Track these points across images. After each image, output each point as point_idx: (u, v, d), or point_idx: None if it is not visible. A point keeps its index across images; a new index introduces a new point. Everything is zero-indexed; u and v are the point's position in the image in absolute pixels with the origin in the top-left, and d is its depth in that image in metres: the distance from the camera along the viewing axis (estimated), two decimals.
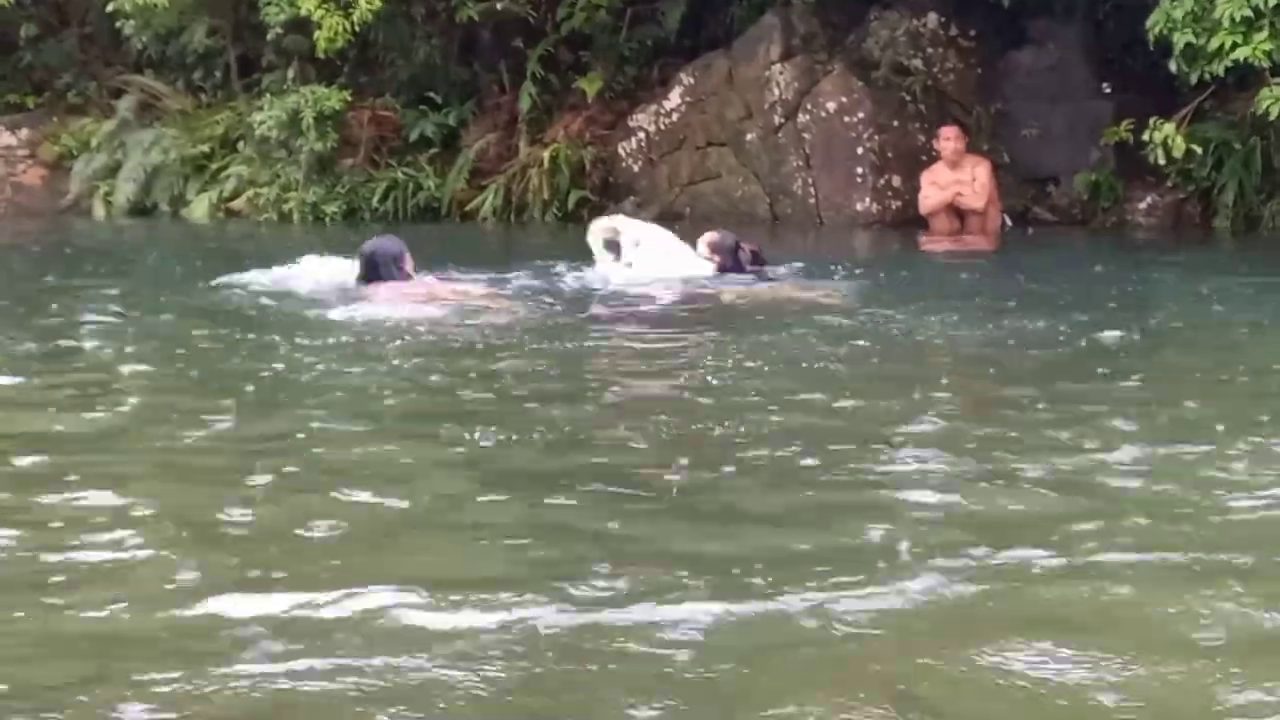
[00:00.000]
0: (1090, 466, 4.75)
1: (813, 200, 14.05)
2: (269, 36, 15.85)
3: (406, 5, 15.44)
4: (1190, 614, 3.41)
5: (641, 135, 15.01)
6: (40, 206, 17.88)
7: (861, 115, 13.81)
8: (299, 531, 4.17)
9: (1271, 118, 11.50)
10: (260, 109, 15.81)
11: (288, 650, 3.27)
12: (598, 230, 10.10)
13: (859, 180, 13.82)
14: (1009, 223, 13.30)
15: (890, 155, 13.80)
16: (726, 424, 5.50)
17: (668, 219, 14.04)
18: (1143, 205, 13.32)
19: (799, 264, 10.31)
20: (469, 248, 12.51)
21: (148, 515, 4.37)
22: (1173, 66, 11.64)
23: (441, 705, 3.02)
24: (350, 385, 6.47)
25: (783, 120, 14.17)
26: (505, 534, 4.18)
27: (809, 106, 14.03)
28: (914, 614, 3.45)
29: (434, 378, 6.60)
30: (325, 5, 14.66)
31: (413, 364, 6.91)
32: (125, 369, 7.00)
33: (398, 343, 7.45)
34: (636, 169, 15.07)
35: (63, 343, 7.83)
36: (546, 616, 3.44)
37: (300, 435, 5.42)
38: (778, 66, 14.22)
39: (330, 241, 11.83)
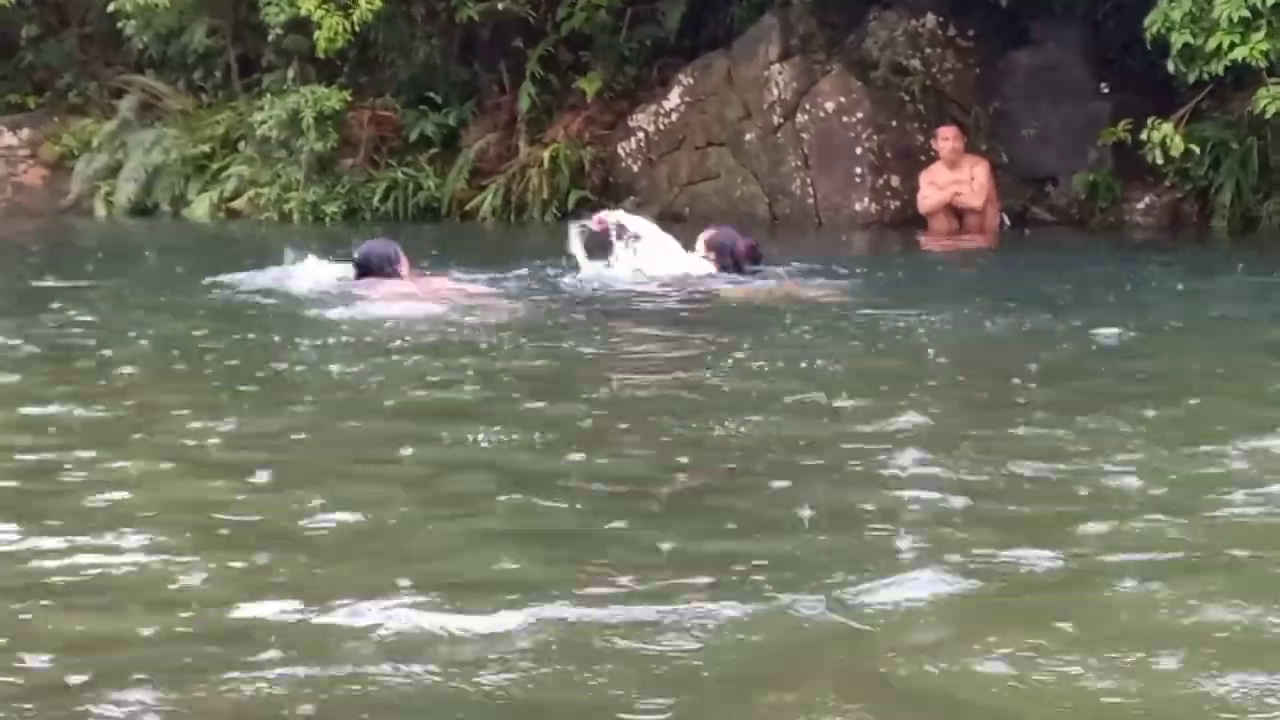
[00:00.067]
0: (1089, 466, 4.74)
1: (811, 200, 14.03)
2: (269, 37, 15.84)
3: (406, 5, 15.42)
4: (1191, 613, 3.39)
5: (641, 135, 14.99)
6: (41, 206, 17.86)
7: (860, 115, 13.80)
8: (300, 533, 4.16)
9: (1269, 117, 11.50)
10: (261, 109, 15.80)
11: (288, 654, 3.25)
12: (575, 230, 10.10)
13: (858, 180, 13.81)
14: (1007, 222, 13.29)
15: (889, 155, 13.78)
16: (727, 424, 5.48)
17: (667, 219, 14.03)
18: (1140, 205, 13.31)
19: (797, 263, 10.29)
20: (469, 247, 12.50)
21: (147, 516, 4.35)
22: (1170, 66, 11.64)
23: (442, 707, 3.00)
24: (350, 385, 6.46)
25: (782, 120, 14.16)
26: (507, 534, 4.17)
27: (808, 106, 14.02)
28: (914, 614, 3.43)
29: (433, 376, 6.58)
30: (325, 5, 14.65)
31: (412, 362, 6.90)
32: (126, 368, 6.99)
33: (397, 341, 7.44)
34: (636, 169, 15.05)
35: (63, 341, 7.82)
36: (547, 617, 3.42)
37: (301, 435, 5.41)
38: (777, 67, 14.21)
39: (331, 241, 11.81)
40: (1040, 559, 3.81)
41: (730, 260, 9.78)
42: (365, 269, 9.16)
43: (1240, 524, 4.12)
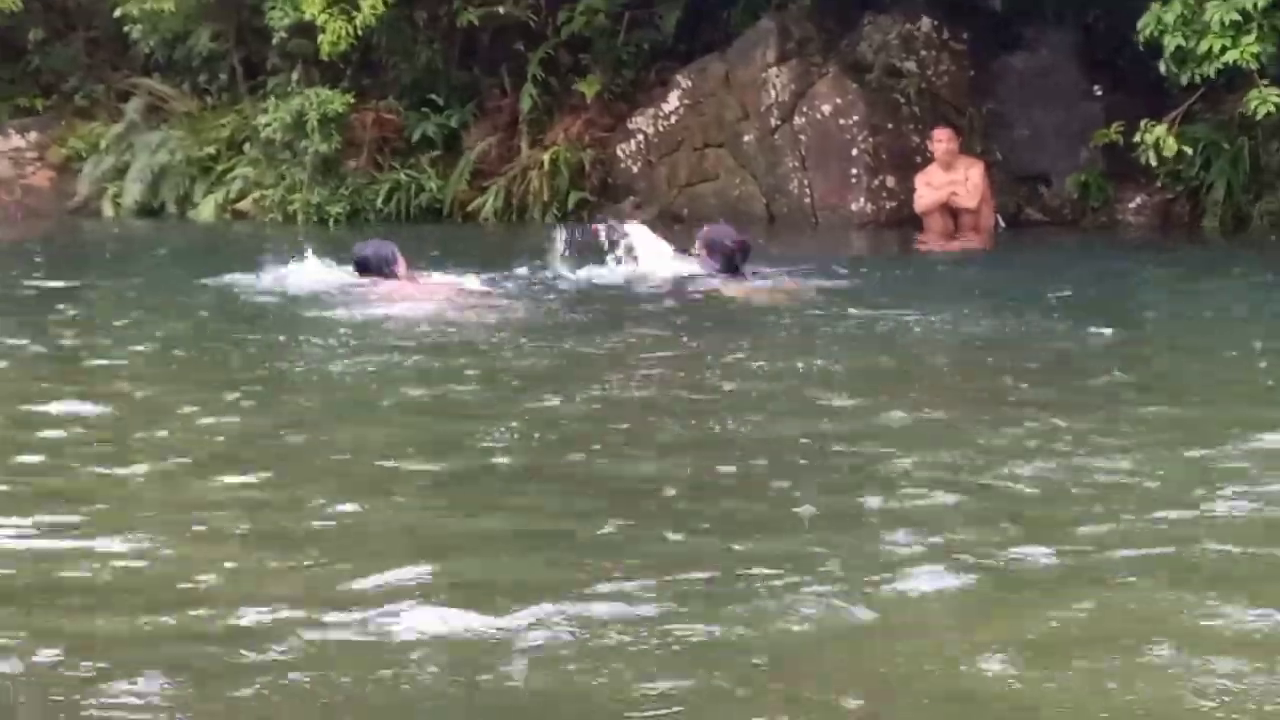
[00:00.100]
0: (1087, 465, 4.72)
1: (808, 200, 14.02)
2: (274, 40, 15.81)
3: (409, 10, 15.40)
4: (1188, 612, 3.38)
5: (640, 137, 14.98)
6: (49, 208, 17.85)
7: (856, 117, 13.78)
8: (300, 533, 4.14)
9: (1259, 118, 11.50)
10: (265, 111, 15.78)
11: (288, 655, 3.22)
12: (560, 236, 10.12)
13: (854, 181, 13.80)
14: (1002, 223, 13.28)
15: (884, 156, 13.76)
16: (728, 423, 5.48)
17: (666, 219, 14.04)
18: (1132, 205, 13.30)
19: (794, 264, 10.27)
20: (470, 248, 12.48)
21: (147, 516, 4.34)
22: (1163, 69, 11.63)
23: (442, 707, 2.99)
24: (351, 384, 6.45)
25: (779, 122, 14.14)
26: (507, 534, 4.15)
27: (804, 109, 14.00)
28: (915, 613, 3.43)
29: (433, 376, 6.57)
30: (329, 9, 14.63)
31: (412, 362, 6.89)
32: (130, 368, 6.98)
33: (397, 341, 7.43)
34: (635, 170, 15.04)
35: (70, 340, 7.81)
36: (548, 617, 3.40)
37: (301, 435, 5.39)
38: (774, 69, 14.19)
39: (334, 243, 11.80)
40: (1040, 558, 3.80)
41: (723, 257, 9.76)
42: (364, 269, 9.21)
43: (1238, 522, 4.11)
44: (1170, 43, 11.36)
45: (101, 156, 17.49)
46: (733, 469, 4.81)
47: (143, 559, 3.95)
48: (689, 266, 9.78)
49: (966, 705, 2.97)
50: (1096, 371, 6.47)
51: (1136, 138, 11.96)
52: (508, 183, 15.14)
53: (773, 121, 14.15)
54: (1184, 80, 11.54)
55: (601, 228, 9.93)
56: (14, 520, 4.26)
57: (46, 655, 3.24)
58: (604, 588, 3.63)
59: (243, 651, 3.24)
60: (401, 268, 9.18)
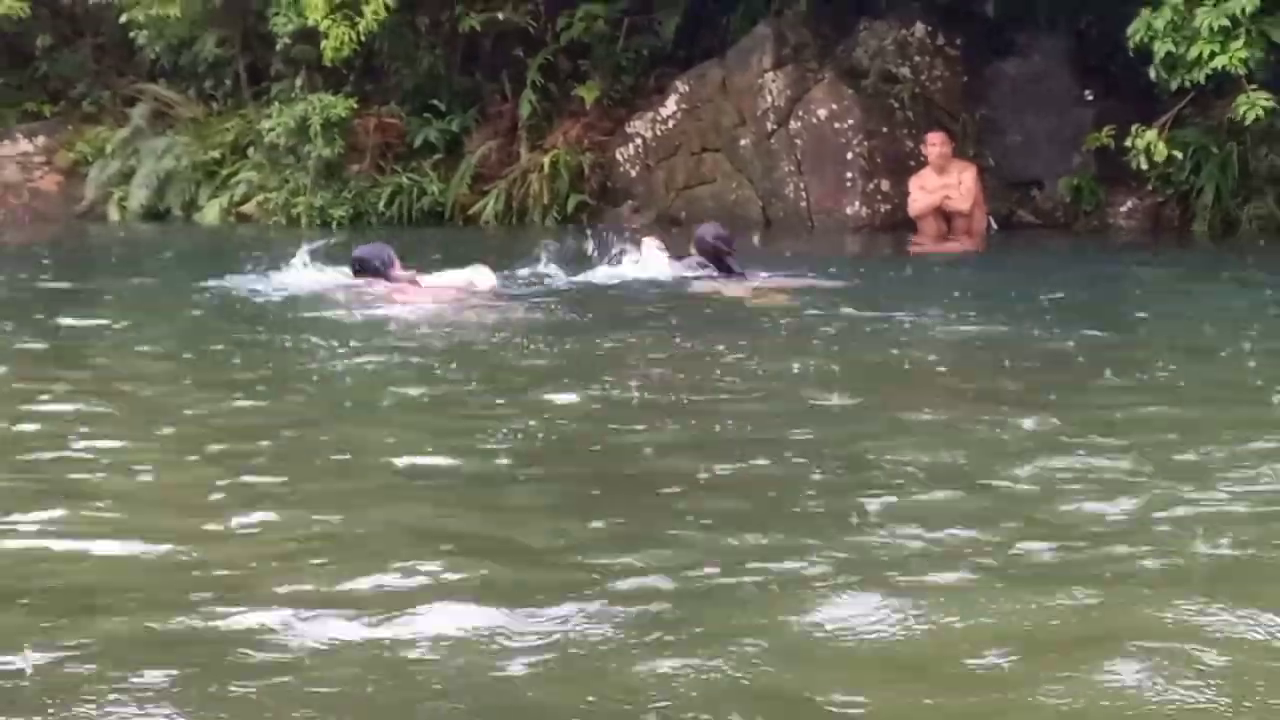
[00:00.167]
0: (1083, 466, 4.67)
1: (804, 204, 14.01)
2: (277, 46, 15.81)
3: (411, 16, 15.39)
4: (1189, 612, 3.34)
5: (638, 141, 14.97)
6: (56, 211, 17.84)
7: (851, 122, 13.77)
8: (300, 534, 4.09)
9: (1248, 123, 11.48)
10: (269, 116, 15.78)
11: (287, 656, 3.18)
12: (547, 248, 10.12)
13: (849, 185, 13.78)
14: (994, 225, 13.26)
15: (879, 160, 13.75)
16: (728, 423, 5.45)
17: (664, 222, 14.03)
18: (1123, 209, 13.29)
19: (790, 266, 10.25)
20: (472, 250, 12.44)
21: (148, 515, 4.30)
22: (1152, 74, 11.62)
23: (442, 708, 2.96)
24: (351, 384, 6.41)
25: (775, 127, 14.13)
26: (507, 534, 4.13)
27: (800, 113, 13.99)
28: (913, 614, 3.39)
29: (433, 376, 6.53)
30: (332, 16, 14.63)
31: (412, 362, 6.86)
32: (132, 369, 6.95)
33: (397, 341, 7.40)
34: (634, 174, 15.02)
35: (76, 340, 7.78)
36: (547, 617, 3.38)
37: (303, 435, 5.35)
38: (770, 75, 14.18)
39: (338, 244, 11.78)
40: (1038, 556, 3.75)
41: (713, 255, 9.75)
42: (362, 270, 9.25)
43: (1233, 522, 4.07)
44: (1160, 48, 11.35)
45: (108, 161, 17.49)
46: (733, 468, 4.77)
47: (143, 559, 3.91)
48: (687, 269, 9.77)
49: (966, 703, 2.94)
50: (1090, 372, 6.43)
51: (1127, 142, 11.97)
52: (508, 186, 15.14)
53: (769, 126, 14.14)
54: (1174, 85, 11.53)
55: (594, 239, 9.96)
56: (15, 520, 4.22)
57: (48, 655, 3.20)
58: (604, 587, 3.59)
59: (243, 651, 3.20)
60: (398, 268, 9.21)
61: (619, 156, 15.05)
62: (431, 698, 2.98)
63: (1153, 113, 12.17)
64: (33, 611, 3.51)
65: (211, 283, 9.71)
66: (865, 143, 13.70)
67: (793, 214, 14.03)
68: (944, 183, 13.01)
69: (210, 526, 4.17)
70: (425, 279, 9.29)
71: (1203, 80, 11.31)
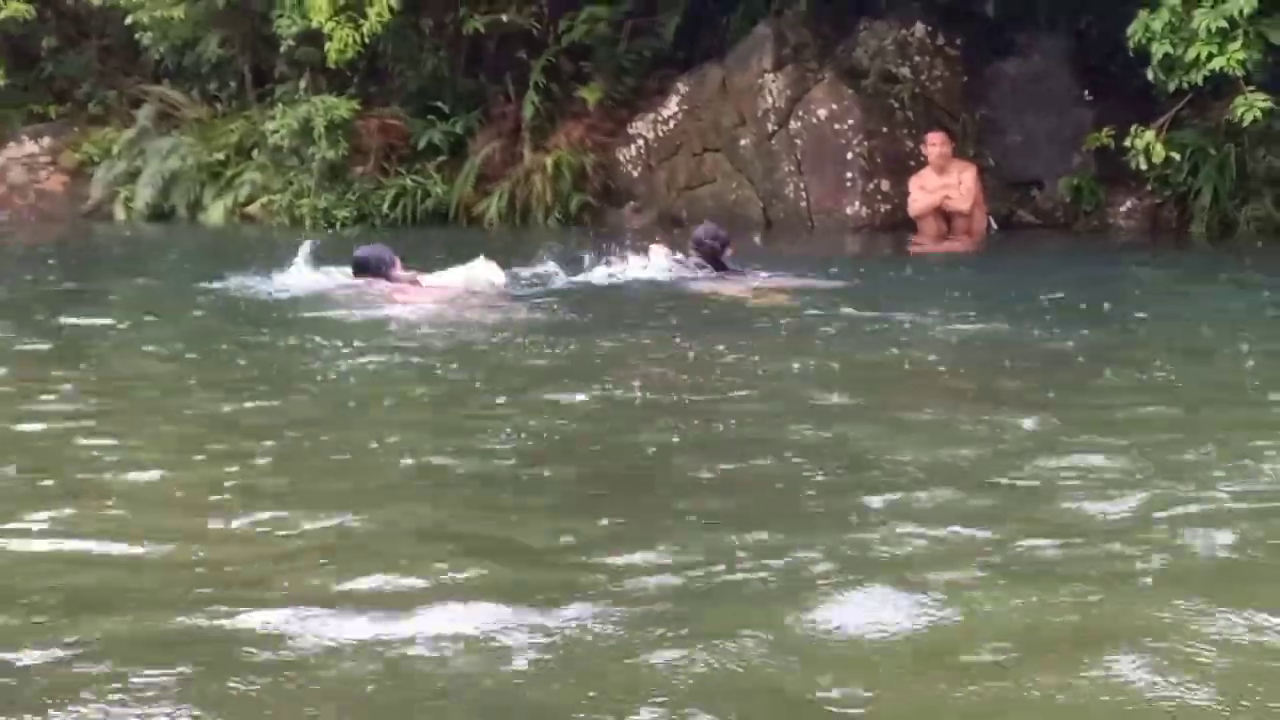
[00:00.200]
0: (1083, 465, 4.65)
1: (804, 204, 13.99)
2: (281, 48, 15.80)
3: (415, 18, 15.37)
4: (1188, 613, 3.33)
5: (640, 142, 14.96)
6: (62, 212, 17.84)
7: (851, 122, 13.75)
8: (300, 534, 4.08)
9: (1246, 125, 11.46)
10: (273, 118, 15.77)
11: (285, 657, 3.17)
12: (548, 252, 10.15)
13: (849, 185, 13.76)
14: (994, 225, 13.24)
15: (879, 160, 13.73)
16: (730, 422, 5.44)
17: (665, 222, 14.01)
18: (1122, 209, 13.26)
19: (790, 266, 10.23)
20: (475, 251, 12.43)
21: (147, 518, 4.29)
22: (1151, 76, 11.60)
23: (441, 708, 2.94)
24: (352, 384, 6.40)
25: (775, 127, 14.11)
26: (506, 534, 4.11)
27: (800, 114, 13.97)
28: (913, 612, 3.38)
29: (433, 376, 6.52)
30: (336, 18, 14.61)
31: (413, 362, 6.84)
32: (135, 369, 6.94)
33: (398, 341, 7.39)
34: (635, 174, 15.01)
35: (82, 339, 7.77)
36: (547, 618, 3.36)
37: (304, 435, 5.34)
38: (770, 75, 14.16)
39: (342, 246, 11.77)
40: (1037, 555, 3.74)
41: (708, 254, 9.76)
42: (363, 270, 9.23)
43: (1231, 521, 4.05)
44: (1158, 50, 11.33)
45: (113, 162, 17.49)
46: (733, 467, 4.76)
47: (144, 558, 3.89)
48: (685, 269, 9.76)
49: (966, 701, 2.93)
50: (1089, 372, 6.42)
51: (1127, 143, 11.94)
52: (511, 187, 15.13)
53: (769, 126, 14.12)
54: (1172, 87, 11.51)
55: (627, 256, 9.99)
56: (18, 519, 4.21)
57: (50, 654, 3.19)
58: (605, 586, 3.58)
59: (245, 650, 3.18)
60: (398, 268, 9.22)
61: (621, 157, 15.04)
62: (433, 697, 2.97)
63: (1151, 113, 12.15)
64: (35, 610, 3.49)
65: (215, 283, 9.70)
66: (865, 143, 13.68)
67: (793, 214, 14.01)
68: (944, 183, 13.00)
69: (212, 526, 4.15)
70: (427, 278, 9.29)
71: (1201, 82, 11.29)
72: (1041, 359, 6.79)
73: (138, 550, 3.95)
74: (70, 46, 18.52)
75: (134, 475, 4.76)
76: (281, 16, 15.34)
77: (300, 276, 9.53)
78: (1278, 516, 4.05)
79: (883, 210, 13.67)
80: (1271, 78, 11.46)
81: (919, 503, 4.24)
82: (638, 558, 3.79)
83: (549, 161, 14.89)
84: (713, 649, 3.16)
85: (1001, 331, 7.52)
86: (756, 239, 13.15)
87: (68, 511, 4.30)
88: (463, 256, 10.41)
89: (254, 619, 3.36)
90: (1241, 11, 11.04)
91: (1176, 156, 12.03)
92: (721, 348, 7.10)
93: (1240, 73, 11.16)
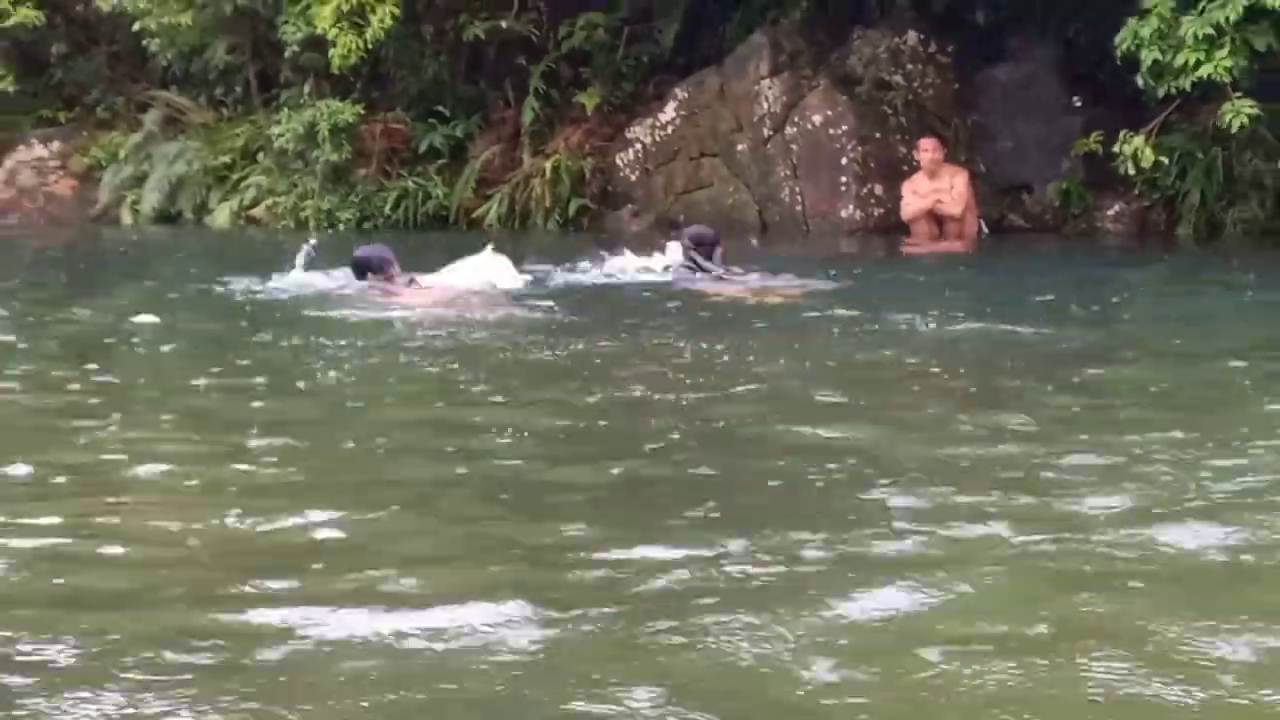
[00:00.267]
0: (1079, 464, 4.62)
1: (800, 208, 13.96)
2: (286, 54, 15.78)
3: (416, 25, 15.35)
4: (1188, 612, 3.29)
5: (638, 146, 14.92)
6: (71, 215, 17.80)
7: (845, 128, 13.73)
8: (300, 534, 4.04)
9: (1233, 130, 11.43)
10: (278, 122, 15.75)
11: (284, 657, 3.13)
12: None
13: (843, 189, 13.74)
14: (985, 229, 13.22)
15: (873, 165, 13.71)
16: (731, 421, 5.39)
17: (663, 226, 13.98)
18: (1111, 212, 13.25)
19: (786, 267, 10.18)
20: (475, 252, 12.39)
21: (149, 518, 4.25)
22: (1140, 82, 11.58)
23: (440, 709, 2.90)
24: (353, 385, 6.36)
25: (771, 132, 14.08)
26: (506, 533, 4.07)
27: (796, 119, 13.94)
28: (912, 611, 3.34)
29: (434, 376, 6.47)
30: (340, 24, 14.59)
31: (414, 362, 6.80)
32: (142, 368, 6.91)
33: (400, 340, 7.35)
34: (633, 178, 14.98)
35: (84, 342, 7.73)
36: (549, 618, 3.31)
37: (305, 436, 5.29)
38: (766, 82, 14.14)
39: (344, 247, 11.73)
40: (1037, 553, 3.72)
41: (696, 253, 9.76)
42: (363, 271, 9.21)
43: (1225, 520, 4.01)
44: (1147, 57, 11.31)
45: (121, 166, 17.45)
46: (732, 466, 4.72)
47: (146, 557, 3.85)
48: (675, 273, 9.75)
49: (966, 700, 2.89)
50: (1084, 371, 6.38)
51: (1115, 148, 11.92)
52: (511, 190, 15.11)
53: (765, 132, 14.10)
54: (1160, 93, 11.49)
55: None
56: (24, 518, 4.16)
57: (49, 655, 3.15)
58: (606, 586, 3.53)
59: (245, 650, 3.14)
60: (397, 269, 9.20)
61: (619, 161, 15.01)
62: (433, 696, 2.92)
63: (1140, 119, 12.12)
64: (38, 608, 3.46)
65: (219, 284, 9.67)
66: (859, 148, 13.66)
67: (788, 218, 13.98)
68: (936, 187, 12.99)
69: (214, 525, 4.11)
70: (430, 277, 9.25)
71: (1188, 87, 11.26)
72: (1036, 359, 6.76)
73: (140, 549, 3.91)
74: (79, 53, 18.48)
75: (137, 474, 4.72)
76: (287, 23, 15.33)
77: (301, 277, 9.49)
78: (1269, 515, 4.01)
79: (876, 214, 13.64)
80: (1257, 83, 11.44)
81: (917, 502, 4.20)
82: (638, 558, 3.74)
83: (548, 166, 14.87)
84: (713, 648, 3.12)
85: (996, 332, 7.49)
86: (753, 242, 13.12)
87: (71, 510, 4.25)
88: (464, 258, 10.38)
89: (255, 618, 3.32)
90: (1228, 19, 11.02)
91: (1165, 160, 12.01)
92: (721, 348, 7.06)
93: (1227, 79, 11.13)
